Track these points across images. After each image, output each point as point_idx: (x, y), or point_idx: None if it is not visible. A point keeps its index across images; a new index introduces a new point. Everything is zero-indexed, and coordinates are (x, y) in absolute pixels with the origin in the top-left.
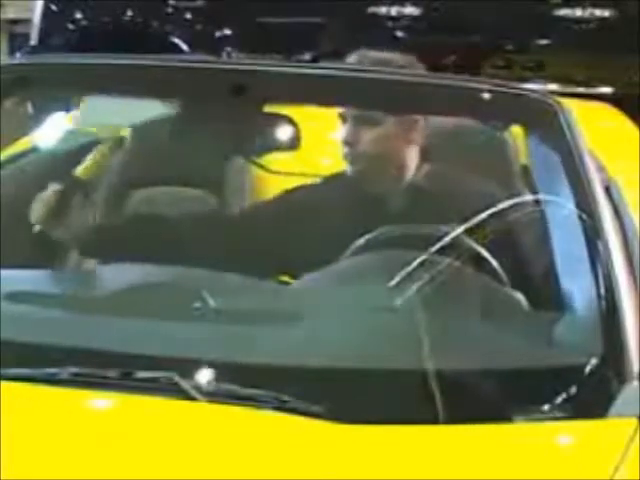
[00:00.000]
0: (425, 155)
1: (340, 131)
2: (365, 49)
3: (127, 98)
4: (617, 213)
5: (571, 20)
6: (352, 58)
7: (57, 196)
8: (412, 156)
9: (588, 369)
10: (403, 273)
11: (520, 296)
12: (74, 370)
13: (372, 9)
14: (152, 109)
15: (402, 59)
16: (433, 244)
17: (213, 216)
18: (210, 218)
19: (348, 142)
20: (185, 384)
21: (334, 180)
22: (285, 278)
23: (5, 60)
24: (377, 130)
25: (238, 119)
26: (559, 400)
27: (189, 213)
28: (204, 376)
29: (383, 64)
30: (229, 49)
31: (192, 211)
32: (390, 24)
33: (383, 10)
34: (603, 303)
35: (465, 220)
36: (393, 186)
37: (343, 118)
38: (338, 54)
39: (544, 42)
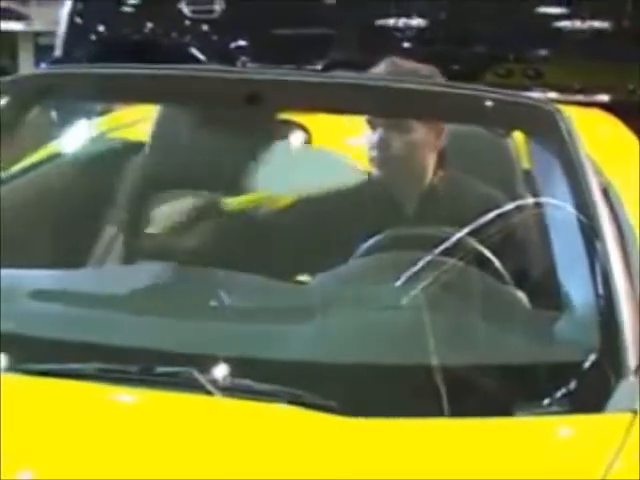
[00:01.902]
0: (441, 160)
1: (367, 137)
2: (395, 58)
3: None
4: (614, 215)
5: (570, 32)
6: (381, 67)
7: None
8: (433, 161)
9: (586, 365)
10: (410, 273)
11: (522, 295)
12: (98, 365)
13: (380, 21)
14: None
15: (426, 69)
16: (439, 245)
17: (231, 218)
18: (228, 219)
19: (380, 147)
20: (203, 379)
21: (354, 182)
22: (302, 278)
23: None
24: (409, 136)
25: (253, 126)
26: (559, 395)
27: (208, 215)
28: (221, 371)
29: (410, 73)
30: (244, 59)
31: (210, 213)
32: (398, 35)
33: (391, 22)
34: (601, 302)
35: (470, 222)
36: (414, 190)
37: (372, 124)
38: (348, 64)
39: (544, 52)
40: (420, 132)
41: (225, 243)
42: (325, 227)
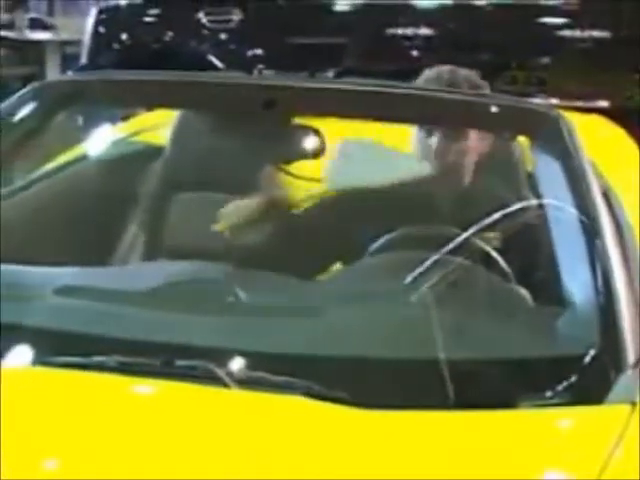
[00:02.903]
0: (480, 164)
1: (418, 142)
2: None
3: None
4: (614, 216)
5: (571, 40)
6: (430, 72)
7: None
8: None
9: (587, 359)
10: (419, 271)
11: (525, 292)
12: (119, 359)
13: (390, 30)
14: None
15: (474, 75)
16: (447, 245)
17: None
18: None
19: (437, 154)
20: (220, 372)
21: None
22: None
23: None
24: (464, 144)
25: (269, 130)
26: (561, 388)
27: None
28: (237, 364)
29: (464, 79)
30: (260, 66)
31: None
32: (407, 43)
33: (400, 31)
34: (601, 299)
35: (478, 223)
36: (452, 192)
37: (428, 132)
38: (359, 71)
39: (546, 60)
40: (473, 140)
41: (244, 243)
42: (356, 226)
